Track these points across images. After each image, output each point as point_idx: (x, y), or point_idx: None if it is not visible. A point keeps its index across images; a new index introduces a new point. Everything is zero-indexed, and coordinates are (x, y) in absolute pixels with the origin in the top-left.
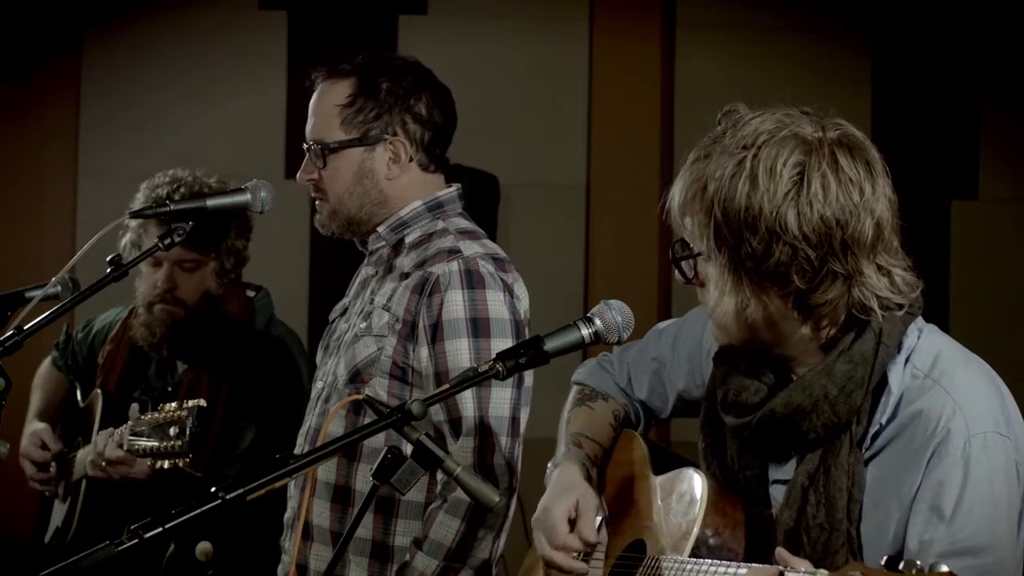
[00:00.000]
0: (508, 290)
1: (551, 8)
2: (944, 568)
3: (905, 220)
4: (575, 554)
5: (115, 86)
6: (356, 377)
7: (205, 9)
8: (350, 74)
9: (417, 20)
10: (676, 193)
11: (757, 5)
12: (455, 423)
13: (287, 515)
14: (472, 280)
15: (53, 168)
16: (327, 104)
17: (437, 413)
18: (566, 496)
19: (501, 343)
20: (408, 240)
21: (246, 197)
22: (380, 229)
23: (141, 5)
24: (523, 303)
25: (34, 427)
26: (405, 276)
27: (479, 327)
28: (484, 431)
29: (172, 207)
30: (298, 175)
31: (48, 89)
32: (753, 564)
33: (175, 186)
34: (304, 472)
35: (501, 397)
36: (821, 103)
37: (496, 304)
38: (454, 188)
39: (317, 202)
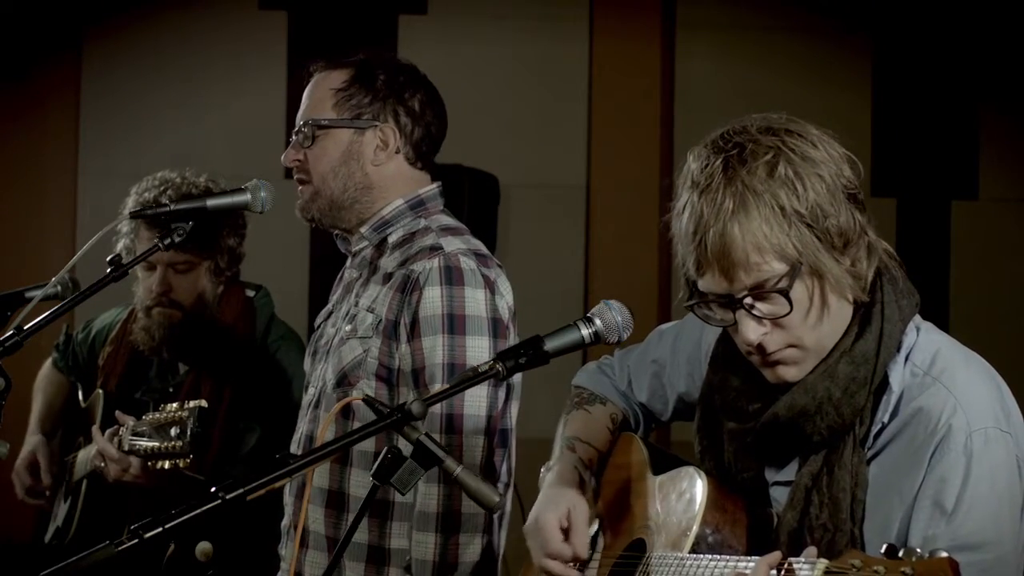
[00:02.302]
0: (489, 287)
1: (551, 8)
2: (943, 554)
3: (905, 220)
4: (570, 563)
5: (115, 86)
6: (343, 380)
7: (205, 9)
8: (348, 65)
9: (417, 20)
10: (743, 249)
11: (757, 5)
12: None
13: (284, 522)
14: (451, 277)
15: (53, 168)
16: (322, 88)
17: None
18: (557, 505)
19: (476, 340)
20: (391, 240)
21: (246, 197)
22: (363, 230)
23: (141, 5)
24: (507, 298)
25: (32, 444)
26: (389, 276)
27: (455, 323)
28: (453, 429)
29: (172, 207)
30: (283, 156)
31: (48, 89)
32: (753, 556)
33: (163, 189)
34: (299, 477)
35: (476, 395)
36: (821, 103)
37: (474, 301)
38: (435, 186)
39: (299, 187)
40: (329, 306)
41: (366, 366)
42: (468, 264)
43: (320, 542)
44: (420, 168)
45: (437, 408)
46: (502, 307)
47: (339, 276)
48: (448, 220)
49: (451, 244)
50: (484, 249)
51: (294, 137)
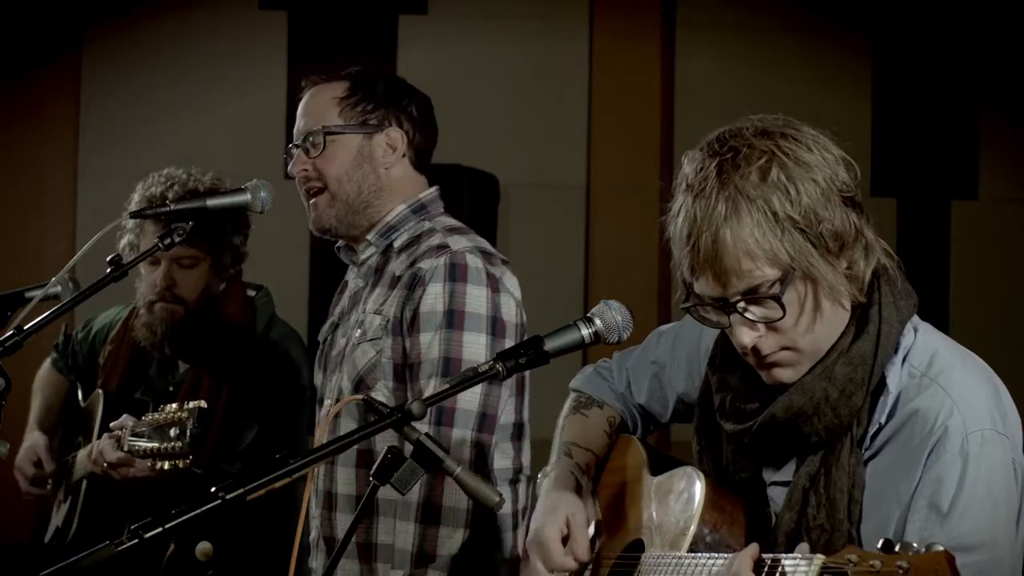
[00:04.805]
0: (493, 285)
1: (551, 8)
2: (939, 547)
3: (905, 220)
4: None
5: (115, 85)
6: (360, 385)
7: (205, 9)
8: (343, 77)
9: (417, 20)
10: (735, 255)
11: (757, 5)
12: None
13: (312, 536)
14: (455, 273)
15: (53, 168)
16: (323, 98)
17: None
18: (556, 514)
19: (473, 337)
20: (396, 244)
21: (246, 197)
22: (370, 236)
23: (141, 5)
24: (513, 295)
25: (32, 440)
26: (397, 279)
27: (454, 319)
28: (442, 421)
29: (172, 207)
30: (290, 167)
31: (48, 89)
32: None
33: (169, 184)
34: (323, 490)
35: (471, 390)
36: (821, 103)
37: (475, 299)
38: (434, 189)
39: (311, 200)
40: (333, 318)
41: (381, 367)
42: (474, 262)
43: (351, 550)
44: (422, 172)
45: None
46: (506, 304)
47: (339, 289)
48: (451, 221)
49: (458, 243)
50: (490, 247)
51: (294, 149)
